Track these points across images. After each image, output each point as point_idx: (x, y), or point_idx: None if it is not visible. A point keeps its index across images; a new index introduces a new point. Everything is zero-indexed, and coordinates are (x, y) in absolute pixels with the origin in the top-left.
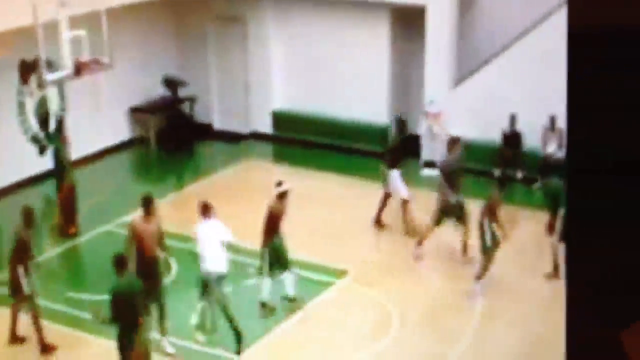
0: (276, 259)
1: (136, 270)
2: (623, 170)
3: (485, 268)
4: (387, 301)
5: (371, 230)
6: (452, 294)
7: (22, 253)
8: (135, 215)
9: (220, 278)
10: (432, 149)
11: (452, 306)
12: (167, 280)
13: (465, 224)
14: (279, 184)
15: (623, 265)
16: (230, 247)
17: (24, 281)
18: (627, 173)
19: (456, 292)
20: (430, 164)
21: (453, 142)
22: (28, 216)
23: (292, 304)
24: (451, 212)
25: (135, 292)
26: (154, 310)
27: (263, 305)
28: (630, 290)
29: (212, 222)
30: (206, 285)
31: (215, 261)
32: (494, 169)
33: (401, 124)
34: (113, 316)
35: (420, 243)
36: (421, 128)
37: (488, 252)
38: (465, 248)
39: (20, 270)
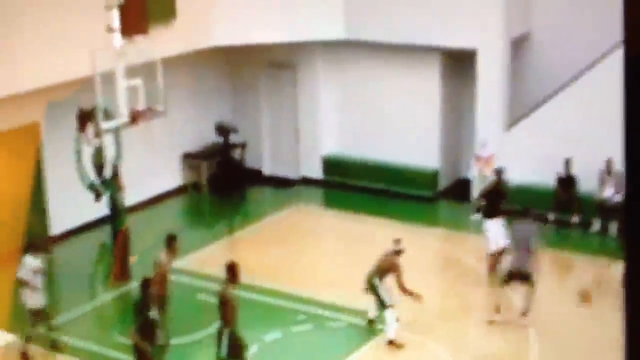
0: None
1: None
2: None
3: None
4: (439, 348)
5: (422, 276)
6: (506, 340)
7: (227, 311)
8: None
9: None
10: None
11: (505, 353)
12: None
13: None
14: (397, 241)
15: None
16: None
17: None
18: None
19: (507, 338)
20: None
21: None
22: (232, 271)
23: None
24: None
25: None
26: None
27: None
28: None
29: None
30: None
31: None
32: (549, 212)
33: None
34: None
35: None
36: (472, 172)
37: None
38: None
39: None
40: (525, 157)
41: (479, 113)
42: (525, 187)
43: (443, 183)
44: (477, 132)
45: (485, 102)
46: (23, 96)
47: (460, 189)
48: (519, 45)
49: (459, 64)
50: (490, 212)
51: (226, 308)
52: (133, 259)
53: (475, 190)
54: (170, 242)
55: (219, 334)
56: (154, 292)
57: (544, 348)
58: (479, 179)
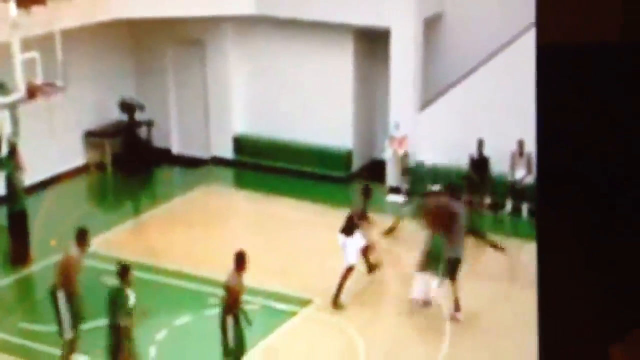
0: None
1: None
2: (596, 194)
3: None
4: (353, 330)
5: (335, 257)
6: (419, 324)
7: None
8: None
9: None
10: (398, 175)
11: (419, 336)
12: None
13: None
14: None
15: (596, 290)
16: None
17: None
18: (600, 197)
19: (424, 321)
20: (395, 190)
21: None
22: (240, 259)
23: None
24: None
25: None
26: None
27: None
28: (604, 316)
29: None
30: None
31: None
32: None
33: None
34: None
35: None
36: (386, 153)
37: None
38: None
39: (230, 319)
40: (438, 138)
41: (392, 93)
42: (437, 169)
43: (357, 164)
44: (391, 113)
45: (399, 82)
46: None
47: (374, 170)
48: (431, 26)
49: (372, 43)
50: (347, 229)
51: (230, 295)
52: (53, 243)
53: (390, 171)
54: (81, 236)
55: (223, 322)
56: (60, 285)
57: (457, 329)
58: (393, 160)
